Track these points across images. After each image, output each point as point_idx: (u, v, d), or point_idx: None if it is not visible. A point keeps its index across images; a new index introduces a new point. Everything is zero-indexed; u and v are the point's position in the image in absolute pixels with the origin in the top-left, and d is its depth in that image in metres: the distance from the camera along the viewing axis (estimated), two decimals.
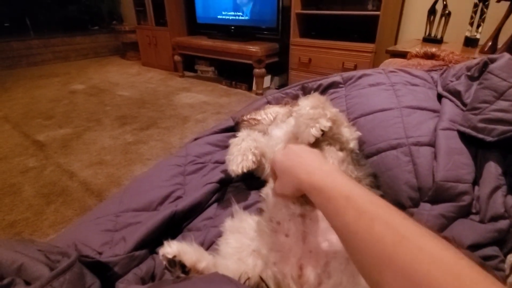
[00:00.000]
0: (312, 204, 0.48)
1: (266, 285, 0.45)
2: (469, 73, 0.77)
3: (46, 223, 1.30)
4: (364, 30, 2.30)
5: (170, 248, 0.46)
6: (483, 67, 0.73)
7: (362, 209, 0.31)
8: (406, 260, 0.25)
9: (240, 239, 0.51)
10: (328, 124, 0.56)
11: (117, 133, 2.14)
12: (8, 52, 3.87)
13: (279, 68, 3.04)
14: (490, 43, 1.62)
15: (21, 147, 1.94)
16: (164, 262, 0.46)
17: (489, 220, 0.52)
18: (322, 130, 0.56)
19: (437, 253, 0.25)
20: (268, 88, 3.06)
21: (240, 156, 0.63)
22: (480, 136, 0.61)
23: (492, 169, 0.57)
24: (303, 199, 0.51)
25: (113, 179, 1.61)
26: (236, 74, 3.27)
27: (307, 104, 0.60)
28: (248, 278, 0.44)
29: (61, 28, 4.49)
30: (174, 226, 0.63)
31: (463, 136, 0.65)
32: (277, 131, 0.74)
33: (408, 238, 0.27)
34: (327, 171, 0.39)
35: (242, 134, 0.70)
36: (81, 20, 4.75)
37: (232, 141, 0.69)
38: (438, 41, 1.94)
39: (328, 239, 0.48)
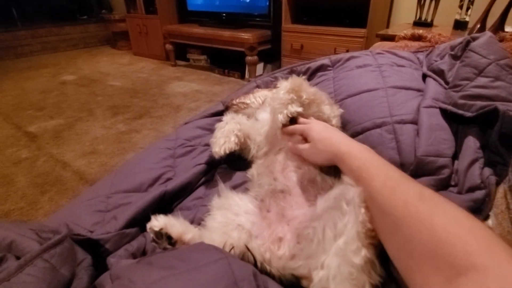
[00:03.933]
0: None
1: (252, 254, 0.47)
2: (452, 52, 0.79)
3: (41, 212, 1.31)
4: (355, 15, 2.29)
5: (157, 221, 0.48)
6: (466, 46, 0.74)
7: (388, 174, 0.41)
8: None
9: (226, 215, 0.53)
10: (298, 109, 0.59)
11: (110, 123, 2.13)
12: None
13: (272, 55, 3.03)
14: (478, 26, 1.63)
15: (12, 138, 1.94)
16: (152, 235, 0.48)
17: (466, 191, 0.55)
18: (289, 116, 0.58)
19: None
20: (261, 76, 3.05)
21: (222, 138, 0.65)
22: (460, 112, 0.62)
23: (471, 143, 0.59)
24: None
25: (107, 168, 1.62)
26: (228, 63, 3.25)
27: (282, 88, 0.61)
28: (233, 247, 0.46)
29: (48, 18, 4.38)
30: (164, 206, 0.64)
31: (445, 113, 0.67)
32: (264, 114, 0.75)
33: (424, 201, 0.35)
34: (359, 145, 0.49)
35: (227, 117, 0.72)
36: (69, 9, 4.64)
37: (217, 125, 0.71)
38: (428, 25, 1.95)
39: (302, 212, 0.50)
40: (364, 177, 0.42)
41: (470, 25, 1.78)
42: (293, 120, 0.60)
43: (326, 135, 0.53)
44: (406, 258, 0.33)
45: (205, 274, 0.33)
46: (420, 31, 1.14)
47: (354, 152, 0.47)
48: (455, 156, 0.62)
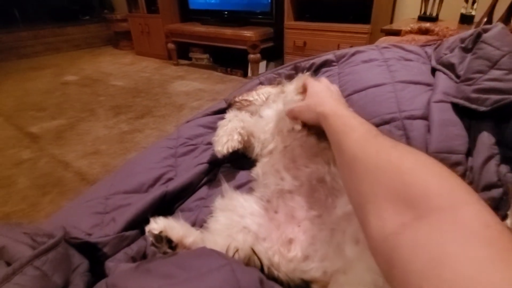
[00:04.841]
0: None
1: (258, 257, 0.44)
2: (463, 45, 0.76)
3: (42, 213, 1.30)
4: (359, 11, 2.25)
5: (156, 224, 0.46)
6: (477, 38, 0.71)
7: (366, 130, 0.40)
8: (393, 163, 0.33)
9: (230, 216, 0.51)
10: None
11: (112, 122, 2.12)
12: None
13: (274, 53, 3.00)
14: (485, 19, 1.59)
15: (14, 139, 1.93)
16: (151, 238, 0.46)
17: (482, 189, 0.52)
18: None
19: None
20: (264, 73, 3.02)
21: (225, 137, 0.63)
22: (473, 106, 0.60)
23: (485, 139, 0.56)
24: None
25: (109, 168, 1.61)
26: (231, 61, 3.22)
27: (292, 90, 0.60)
28: (237, 250, 0.44)
29: (50, 19, 4.39)
30: (166, 207, 0.62)
31: (457, 108, 0.64)
32: (268, 111, 0.73)
33: (396, 148, 0.35)
34: (347, 110, 0.49)
35: (229, 115, 0.70)
36: (71, 10, 4.65)
37: (220, 123, 0.69)
38: (433, 19, 1.91)
39: (315, 212, 0.48)
40: (343, 130, 0.42)
41: (476, 19, 1.75)
42: None
43: (321, 93, 0.54)
44: (367, 202, 0.32)
45: (207, 283, 0.31)
46: (427, 24, 1.10)
47: (340, 112, 0.47)
48: (468, 153, 0.59)
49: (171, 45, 3.41)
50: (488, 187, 0.51)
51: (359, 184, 0.34)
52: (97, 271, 0.47)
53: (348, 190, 0.37)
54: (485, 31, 0.71)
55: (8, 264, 0.36)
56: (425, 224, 0.25)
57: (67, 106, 2.44)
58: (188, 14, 3.50)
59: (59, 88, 2.86)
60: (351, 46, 2.22)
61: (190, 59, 3.65)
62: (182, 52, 3.56)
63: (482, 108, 0.58)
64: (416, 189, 0.28)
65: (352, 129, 0.41)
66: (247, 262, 0.45)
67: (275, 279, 0.45)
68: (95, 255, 0.49)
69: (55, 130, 2.03)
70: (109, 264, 0.47)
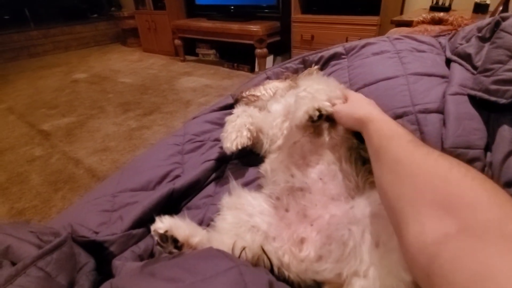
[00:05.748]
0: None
1: (268, 257, 0.43)
2: (480, 34, 0.72)
3: (54, 209, 1.32)
4: (367, 2, 2.19)
5: (162, 223, 0.45)
6: (495, 26, 0.68)
7: (412, 138, 0.39)
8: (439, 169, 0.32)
9: (238, 215, 0.49)
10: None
11: (121, 119, 2.13)
12: (9, 44, 3.86)
13: (282, 47, 2.96)
14: (500, 8, 1.53)
15: (27, 137, 1.96)
16: (156, 238, 0.44)
17: (503, 186, 0.49)
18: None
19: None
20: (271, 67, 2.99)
21: (234, 133, 0.61)
22: (493, 99, 0.57)
23: (506, 133, 0.53)
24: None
25: (118, 164, 1.62)
26: (238, 56, 3.20)
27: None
28: (244, 249, 0.42)
29: (60, 18, 4.43)
30: (173, 205, 0.61)
31: (474, 101, 0.61)
32: (276, 106, 0.71)
33: (446, 157, 0.34)
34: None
35: (237, 110, 0.68)
36: (80, 8, 4.68)
37: (228, 118, 0.67)
38: (446, 9, 1.85)
39: (329, 211, 0.46)
40: (389, 136, 0.41)
41: (491, 8, 1.69)
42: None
43: (362, 100, 0.55)
44: (407, 206, 0.31)
45: (213, 287, 0.30)
46: (441, 14, 1.06)
47: (384, 118, 0.47)
48: (487, 148, 0.56)
49: (177, 41, 3.40)
50: (509, 184, 0.49)
51: (400, 187, 0.33)
52: (104, 270, 0.46)
53: (385, 193, 0.36)
54: (504, 19, 0.67)
55: (14, 264, 0.35)
56: (470, 236, 0.24)
57: (77, 103, 2.46)
58: (194, 10, 3.48)
59: (69, 86, 2.89)
60: (360, 39, 2.17)
61: (197, 55, 3.65)
62: (188, 48, 3.56)
63: (503, 101, 0.55)
64: (463, 199, 0.27)
65: (399, 136, 0.40)
66: (256, 262, 0.43)
67: (286, 280, 0.43)
68: (102, 254, 0.49)
69: (65, 127, 2.06)
70: (116, 262, 0.46)
